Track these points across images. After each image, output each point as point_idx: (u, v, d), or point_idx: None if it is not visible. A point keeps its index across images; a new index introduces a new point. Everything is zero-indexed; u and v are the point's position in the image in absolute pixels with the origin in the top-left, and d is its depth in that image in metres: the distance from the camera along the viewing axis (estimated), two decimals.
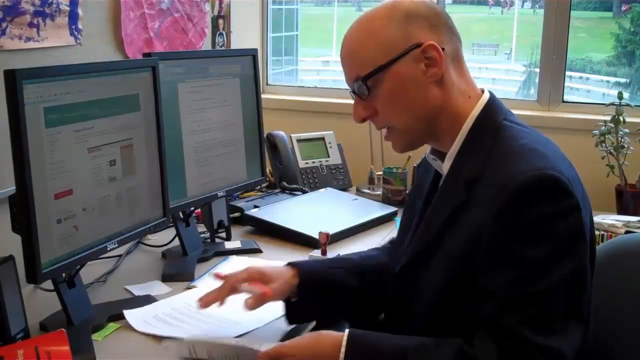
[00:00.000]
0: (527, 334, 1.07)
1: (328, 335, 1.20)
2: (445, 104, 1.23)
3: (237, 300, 1.34)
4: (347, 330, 1.18)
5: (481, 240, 1.13)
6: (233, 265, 1.78)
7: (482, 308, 1.12)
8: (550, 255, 1.09)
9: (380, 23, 1.23)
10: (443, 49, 1.21)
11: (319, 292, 1.39)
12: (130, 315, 1.45)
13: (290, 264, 1.40)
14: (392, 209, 2.23)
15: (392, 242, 1.59)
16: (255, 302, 1.32)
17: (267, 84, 3.08)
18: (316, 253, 1.85)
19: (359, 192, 2.50)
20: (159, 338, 1.36)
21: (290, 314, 1.40)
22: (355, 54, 1.25)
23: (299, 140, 2.59)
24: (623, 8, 3.08)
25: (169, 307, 1.50)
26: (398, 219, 2.07)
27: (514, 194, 1.09)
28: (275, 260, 1.82)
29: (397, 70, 1.21)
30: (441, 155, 1.30)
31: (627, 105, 2.31)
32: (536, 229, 1.09)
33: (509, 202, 1.10)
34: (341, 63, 1.29)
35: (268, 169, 2.43)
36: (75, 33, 1.93)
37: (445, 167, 1.27)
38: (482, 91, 1.29)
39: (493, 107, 1.26)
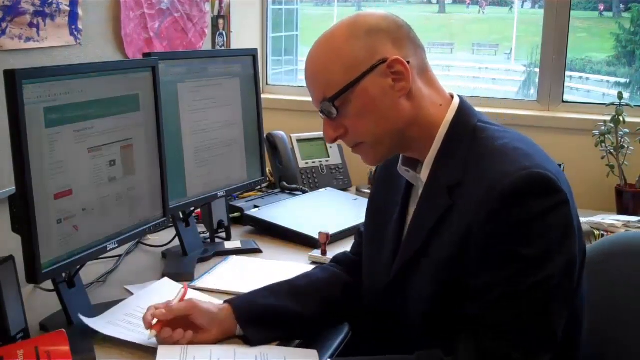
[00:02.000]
0: (514, 331, 1.08)
1: None
2: (416, 115, 1.22)
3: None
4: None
5: (470, 243, 1.12)
6: (233, 265, 1.78)
7: (471, 308, 1.12)
8: (543, 251, 1.09)
9: (342, 41, 1.20)
10: (408, 62, 1.19)
11: (265, 324, 1.35)
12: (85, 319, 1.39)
13: (227, 302, 1.38)
14: None
15: (337, 260, 1.55)
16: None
17: (267, 84, 3.08)
18: (316, 253, 1.85)
19: (359, 192, 2.50)
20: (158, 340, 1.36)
21: (249, 341, 1.35)
22: (319, 75, 1.23)
23: (299, 140, 2.59)
24: (601, 7, 3.09)
25: (122, 314, 1.44)
26: None
27: (504, 194, 1.09)
28: (275, 260, 1.83)
29: (364, 88, 1.19)
30: (413, 165, 1.29)
31: (627, 105, 2.31)
32: (529, 228, 1.09)
33: (500, 203, 1.09)
34: (306, 85, 1.27)
35: (268, 169, 2.43)
36: (75, 33, 1.93)
37: (423, 174, 1.25)
38: (452, 96, 1.27)
39: (465, 111, 1.25)
